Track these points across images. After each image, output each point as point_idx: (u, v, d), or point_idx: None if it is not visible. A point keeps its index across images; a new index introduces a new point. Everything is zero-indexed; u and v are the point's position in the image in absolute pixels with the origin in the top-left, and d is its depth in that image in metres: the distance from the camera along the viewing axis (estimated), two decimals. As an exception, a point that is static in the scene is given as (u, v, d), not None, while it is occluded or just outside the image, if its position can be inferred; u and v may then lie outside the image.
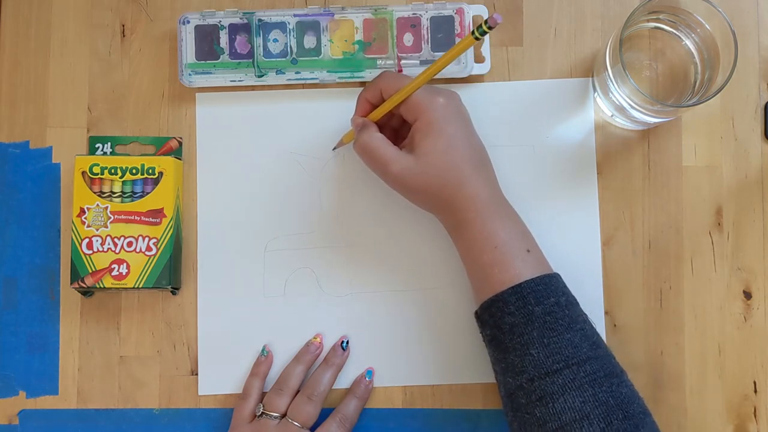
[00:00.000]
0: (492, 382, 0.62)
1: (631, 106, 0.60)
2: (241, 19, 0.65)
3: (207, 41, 0.65)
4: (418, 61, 0.65)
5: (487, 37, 0.65)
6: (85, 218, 0.62)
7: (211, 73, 0.65)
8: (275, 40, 0.65)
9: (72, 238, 0.62)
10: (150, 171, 0.63)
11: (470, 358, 0.64)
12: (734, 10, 0.66)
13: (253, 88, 0.66)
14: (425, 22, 0.65)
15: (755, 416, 0.64)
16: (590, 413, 0.52)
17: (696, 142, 0.65)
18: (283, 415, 0.61)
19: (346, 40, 0.65)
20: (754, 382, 0.64)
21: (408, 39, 0.65)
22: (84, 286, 0.62)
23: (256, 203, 0.66)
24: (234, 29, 0.65)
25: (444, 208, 0.59)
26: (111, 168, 0.63)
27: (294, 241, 0.65)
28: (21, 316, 0.65)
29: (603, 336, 0.64)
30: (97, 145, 0.66)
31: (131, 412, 0.65)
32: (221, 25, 0.65)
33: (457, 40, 0.64)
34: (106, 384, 0.65)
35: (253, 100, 0.66)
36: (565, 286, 0.58)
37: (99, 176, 0.63)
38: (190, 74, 0.65)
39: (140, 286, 0.62)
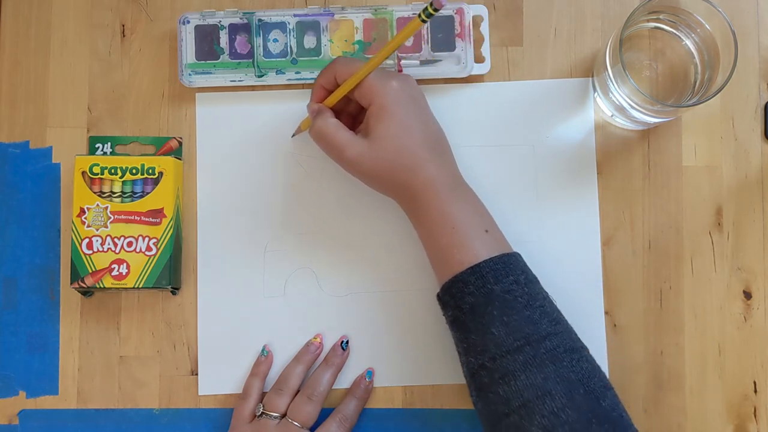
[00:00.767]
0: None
1: (631, 106, 0.60)
2: (241, 19, 0.65)
3: (207, 41, 0.65)
4: (418, 62, 0.65)
5: (487, 37, 0.65)
6: (85, 218, 0.62)
7: (211, 73, 0.65)
8: (275, 40, 0.65)
9: (72, 238, 0.62)
10: (150, 171, 0.63)
11: (470, 358, 0.64)
12: (734, 10, 0.66)
13: (253, 88, 0.66)
14: (425, 22, 0.65)
15: (755, 416, 0.64)
16: (552, 389, 0.52)
17: (696, 142, 0.65)
18: (283, 415, 0.61)
19: (346, 40, 0.65)
20: (754, 382, 0.64)
21: (408, 39, 0.65)
22: (84, 286, 0.62)
23: (256, 203, 0.66)
24: (234, 29, 0.65)
25: (401, 192, 0.59)
26: (111, 168, 0.63)
27: (294, 241, 0.65)
28: (21, 316, 0.65)
29: (603, 336, 0.64)
30: (97, 145, 0.66)
31: (131, 412, 0.65)
32: (221, 25, 0.65)
33: (457, 40, 0.64)
34: (106, 384, 0.65)
35: (253, 100, 0.66)
36: (525, 265, 0.58)
37: (99, 176, 0.63)
38: (190, 74, 0.65)
39: (140, 286, 0.62)
